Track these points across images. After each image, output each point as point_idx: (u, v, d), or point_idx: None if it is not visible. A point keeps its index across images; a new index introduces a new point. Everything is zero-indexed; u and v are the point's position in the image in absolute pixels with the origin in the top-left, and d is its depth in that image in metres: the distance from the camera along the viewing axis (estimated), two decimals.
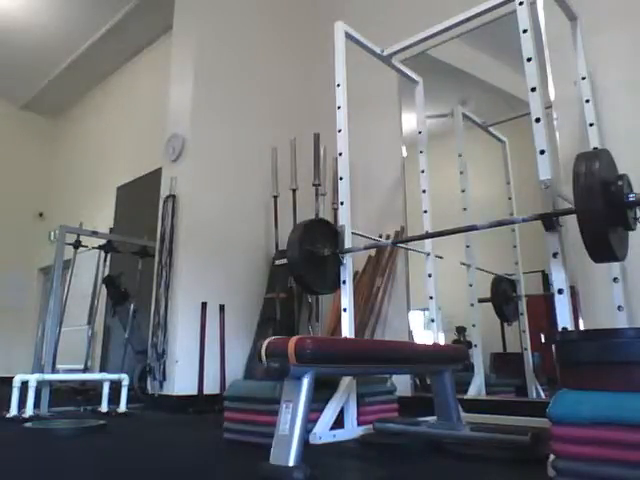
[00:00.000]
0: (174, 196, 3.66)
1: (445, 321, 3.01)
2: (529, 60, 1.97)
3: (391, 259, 3.43)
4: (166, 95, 4.09)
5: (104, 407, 3.03)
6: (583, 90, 2.46)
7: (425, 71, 3.09)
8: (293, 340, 1.51)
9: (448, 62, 3.40)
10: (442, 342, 2.94)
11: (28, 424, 2.50)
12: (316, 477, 1.44)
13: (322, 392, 2.01)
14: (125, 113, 6.43)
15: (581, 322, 2.41)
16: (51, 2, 5.58)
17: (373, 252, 3.49)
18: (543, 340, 2.79)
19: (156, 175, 4.17)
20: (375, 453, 1.88)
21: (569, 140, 2.64)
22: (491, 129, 3.24)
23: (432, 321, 2.69)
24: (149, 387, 3.42)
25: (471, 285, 2.98)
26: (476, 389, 2.74)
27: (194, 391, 3.34)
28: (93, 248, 4.45)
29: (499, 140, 3.23)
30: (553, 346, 1.33)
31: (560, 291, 1.73)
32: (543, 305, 2.91)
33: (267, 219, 4.02)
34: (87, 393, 4.02)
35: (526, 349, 2.79)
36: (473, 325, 2.90)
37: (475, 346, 2.83)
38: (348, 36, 2.53)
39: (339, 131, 2.42)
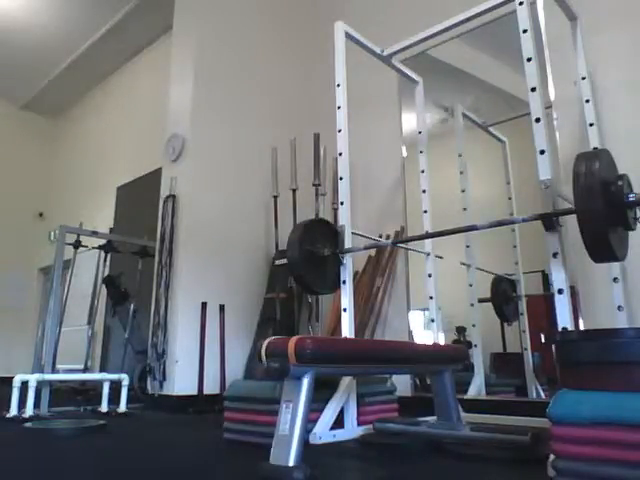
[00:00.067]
0: (174, 196, 3.66)
1: (445, 321, 3.01)
2: (529, 60, 1.97)
3: (391, 259, 3.43)
4: (166, 95, 4.09)
5: (104, 407, 3.03)
6: (583, 90, 2.46)
7: (425, 71, 3.09)
8: (293, 340, 1.51)
9: (448, 62, 3.40)
10: (442, 342, 2.94)
11: (28, 424, 2.50)
12: (316, 477, 1.44)
13: (322, 392, 2.01)
14: (125, 113, 6.43)
15: (581, 322, 2.41)
16: (51, 2, 5.58)
17: (373, 252, 3.49)
18: (543, 340, 2.79)
19: (156, 175, 4.17)
20: (375, 453, 1.88)
21: (569, 140, 2.64)
22: (491, 129, 3.24)
23: (432, 321, 2.69)
24: (149, 387, 3.42)
25: (471, 285, 2.98)
26: (476, 389, 2.74)
27: (194, 391, 3.34)
28: (93, 248, 4.45)
29: (499, 140, 3.23)
30: (553, 346, 1.33)
31: (560, 291, 1.73)
32: (543, 305, 2.91)
33: (267, 219, 4.02)
34: (87, 393, 4.02)
35: (526, 349, 2.79)
36: (473, 325, 2.90)
37: (475, 346, 2.83)
38: (348, 36, 2.53)
39: (339, 131, 2.42)
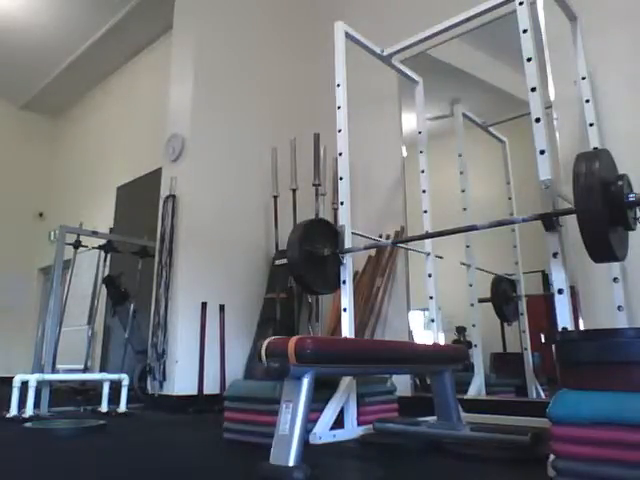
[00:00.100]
0: (174, 196, 3.66)
1: (445, 321, 3.01)
2: (529, 60, 1.97)
3: (391, 259, 3.43)
4: (166, 95, 4.09)
5: (104, 407, 3.03)
6: (583, 90, 2.46)
7: (425, 71, 3.09)
8: (293, 340, 1.52)
9: (448, 62, 3.40)
10: (442, 342, 2.94)
11: (28, 424, 2.50)
12: (316, 477, 1.44)
13: (322, 392, 2.01)
14: (125, 113, 6.43)
15: (581, 322, 2.40)
16: (51, 2, 5.58)
17: (373, 252, 3.49)
18: (543, 340, 2.79)
19: (156, 175, 4.17)
20: (375, 453, 1.88)
21: (569, 140, 2.63)
22: (491, 129, 3.24)
23: (432, 321, 2.69)
24: (149, 387, 3.42)
25: (471, 285, 2.98)
26: (476, 389, 2.74)
27: (194, 391, 3.34)
28: (93, 248, 4.45)
29: (499, 140, 3.23)
30: (553, 346, 1.33)
31: (560, 291, 1.73)
32: (543, 305, 2.91)
33: (267, 219, 4.02)
34: (87, 393, 4.02)
35: (526, 349, 2.79)
36: (473, 325, 2.90)
37: (475, 346, 2.83)
38: (348, 36, 2.53)
39: (339, 131, 2.42)
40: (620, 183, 1.58)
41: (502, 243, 3.01)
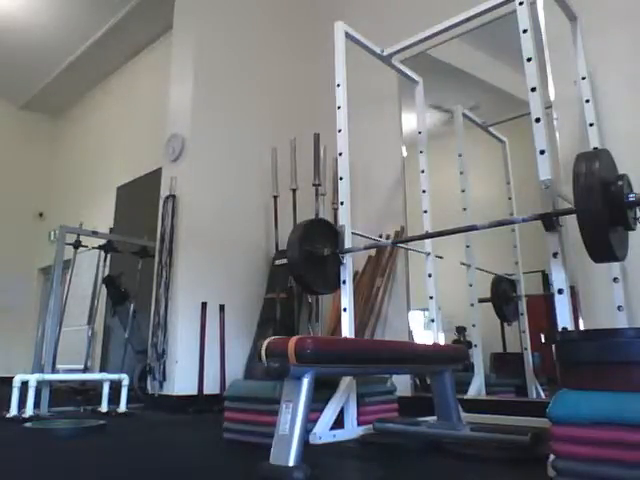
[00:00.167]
0: (174, 196, 3.66)
1: (445, 321, 3.01)
2: (529, 60, 1.97)
3: (391, 259, 3.43)
4: (166, 95, 4.09)
5: (104, 407, 3.03)
6: (583, 90, 2.46)
7: (425, 71, 3.09)
8: (293, 340, 1.52)
9: (448, 62, 3.40)
10: (442, 342, 2.94)
11: (28, 424, 2.50)
12: (316, 477, 1.44)
13: (322, 392, 2.01)
14: (125, 113, 6.43)
15: (581, 322, 2.41)
16: (51, 2, 5.58)
17: (373, 252, 3.49)
18: (543, 340, 2.79)
19: (156, 175, 4.17)
20: (375, 453, 1.88)
21: (569, 140, 2.63)
22: (491, 129, 3.24)
23: (432, 321, 2.69)
24: (149, 387, 3.42)
25: (471, 285, 2.97)
26: (476, 389, 2.74)
27: (194, 391, 3.34)
28: (93, 248, 4.44)
29: (499, 140, 3.23)
30: (553, 346, 1.33)
31: (560, 291, 1.73)
32: (543, 305, 2.91)
33: (267, 219, 4.02)
34: (87, 393, 4.02)
35: (526, 349, 2.79)
36: (473, 325, 2.90)
37: (475, 346, 2.83)
38: (348, 36, 2.53)
39: (339, 131, 2.42)
40: (620, 183, 1.58)
41: (502, 243, 3.01)
